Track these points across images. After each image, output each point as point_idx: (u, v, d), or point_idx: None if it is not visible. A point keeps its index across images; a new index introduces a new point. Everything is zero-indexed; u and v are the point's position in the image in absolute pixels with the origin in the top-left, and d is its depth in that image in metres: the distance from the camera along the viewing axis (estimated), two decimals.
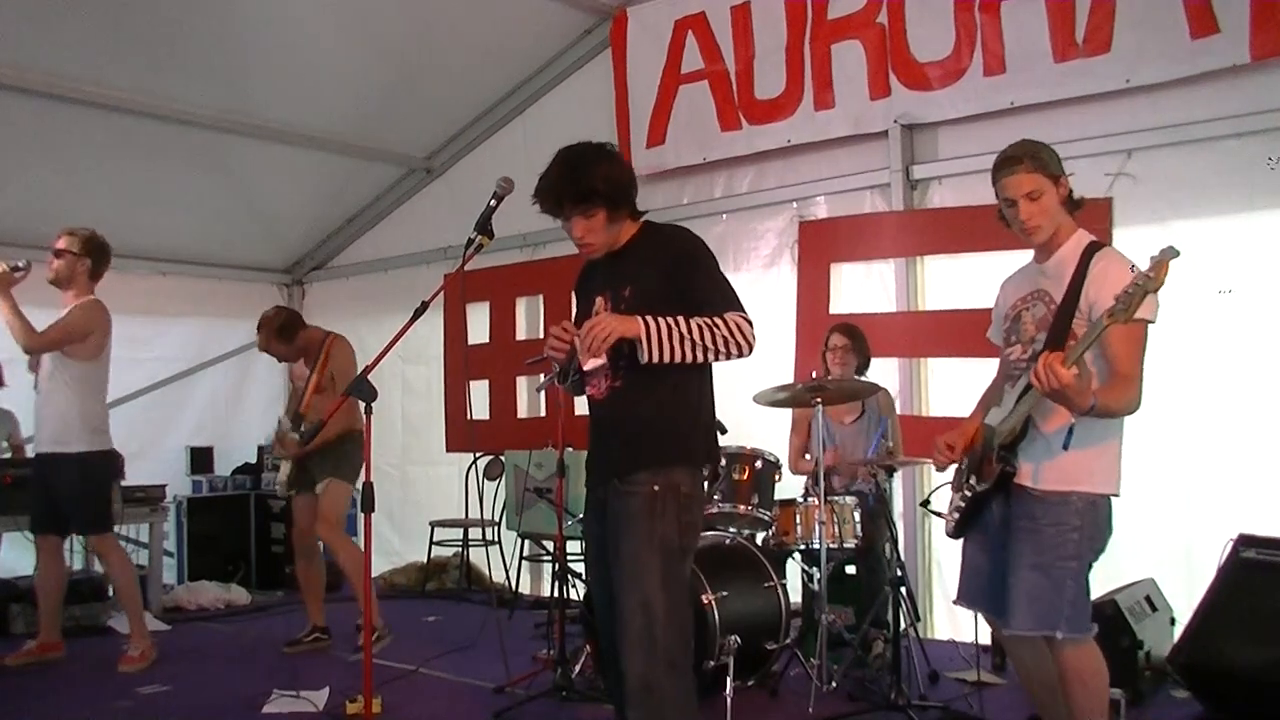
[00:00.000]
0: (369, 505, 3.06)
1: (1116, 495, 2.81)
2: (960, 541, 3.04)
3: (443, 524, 6.79)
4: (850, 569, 4.69)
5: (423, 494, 7.41)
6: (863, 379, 4.71)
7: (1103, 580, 4.22)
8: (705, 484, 2.98)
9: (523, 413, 6.88)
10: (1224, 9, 4.35)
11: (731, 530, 4.52)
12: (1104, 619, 3.84)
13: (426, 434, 7.33)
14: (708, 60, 6.03)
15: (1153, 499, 4.45)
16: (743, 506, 4.43)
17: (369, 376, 3.03)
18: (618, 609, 2.61)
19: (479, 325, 7.04)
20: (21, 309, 4.64)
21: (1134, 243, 4.59)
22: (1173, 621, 4.22)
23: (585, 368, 2.69)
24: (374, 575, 4.80)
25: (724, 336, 2.60)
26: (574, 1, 6.36)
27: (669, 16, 6.17)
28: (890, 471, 4.49)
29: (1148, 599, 4.16)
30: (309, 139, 6.87)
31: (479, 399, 6.93)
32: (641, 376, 2.66)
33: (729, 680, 3.80)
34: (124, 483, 6.07)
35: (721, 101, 5.99)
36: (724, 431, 4.32)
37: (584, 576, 3.77)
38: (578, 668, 4.32)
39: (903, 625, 4.01)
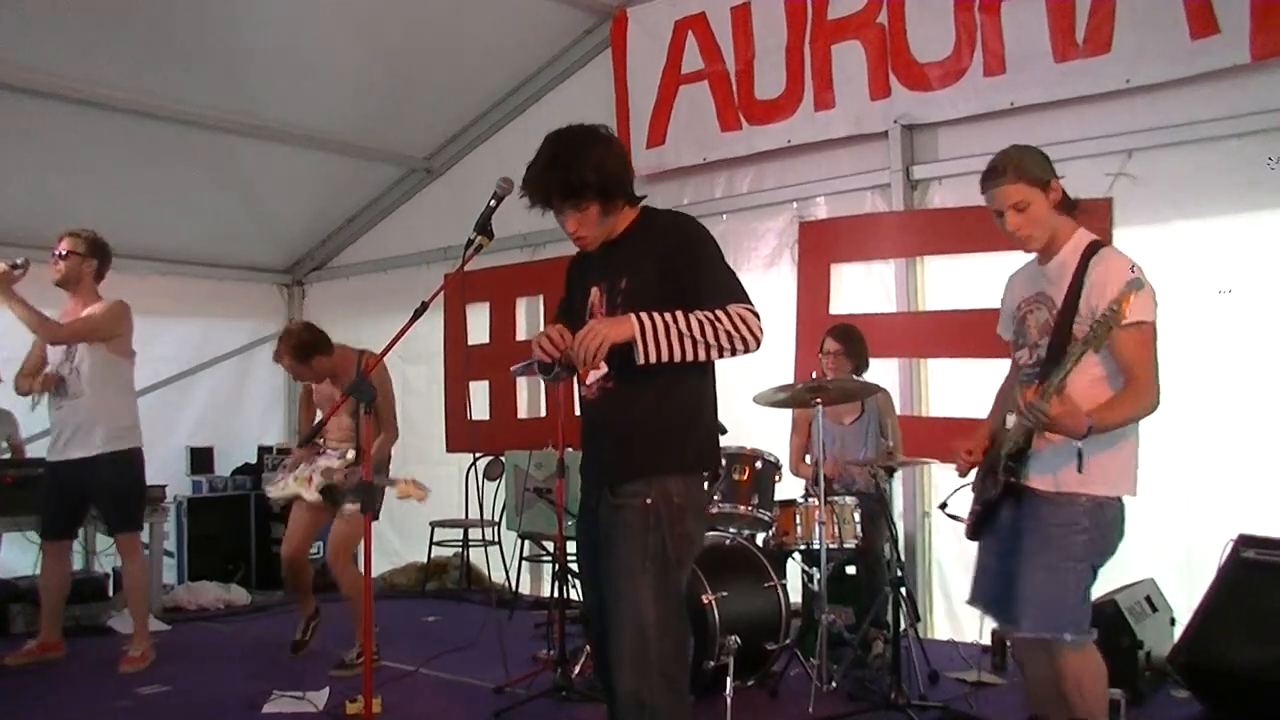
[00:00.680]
0: (369, 507, 3.06)
1: (1132, 494, 2.79)
2: (975, 544, 3.05)
3: (443, 524, 6.79)
4: (850, 569, 4.69)
5: None
6: (862, 380, 4.71)
7: (1103, 580, 4.20)
8: (705, 488, 2.84)
9: (523, 413, 6.89)
10: (1224, 9, 4.35)
11: (731, 530, 4.52)
12: (1104, 619, 3.85)
13: (426, 434, 7.32)
14: (708, 60, 6.03)
15: (1153, 499, 4.39)
16: (743, 507, 4.43)
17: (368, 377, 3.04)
18: (610, 625, 2.51)
19: (479, 325, 7.04)
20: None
21: (1134, 243, 4.60)
22: (1173, 621, 4.22)
23: (586, 380, 2.61)
24: (374, 576, 4.80)
25: (727, 331, 2.43)
26: (574, 1, 6.37)
27: (669, 16, 6.17)
28: (890, 472, 4.49)
29: (1148, 599, 4.16)
30: (309, 139, 6.87)
31: (479, 399, 6.93)
32: (634, 377, 2.49)
33: (729, 680, 3.80)
34: None
35: (721, 102, 5.99)
36: (724, 432, 4.31)
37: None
38: (578, 668, 4.32)
39: (903, 625, 4.01)
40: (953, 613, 5.16)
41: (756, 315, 2.48)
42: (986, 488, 2.92)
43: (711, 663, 3.91)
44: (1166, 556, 4.43)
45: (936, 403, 5.32)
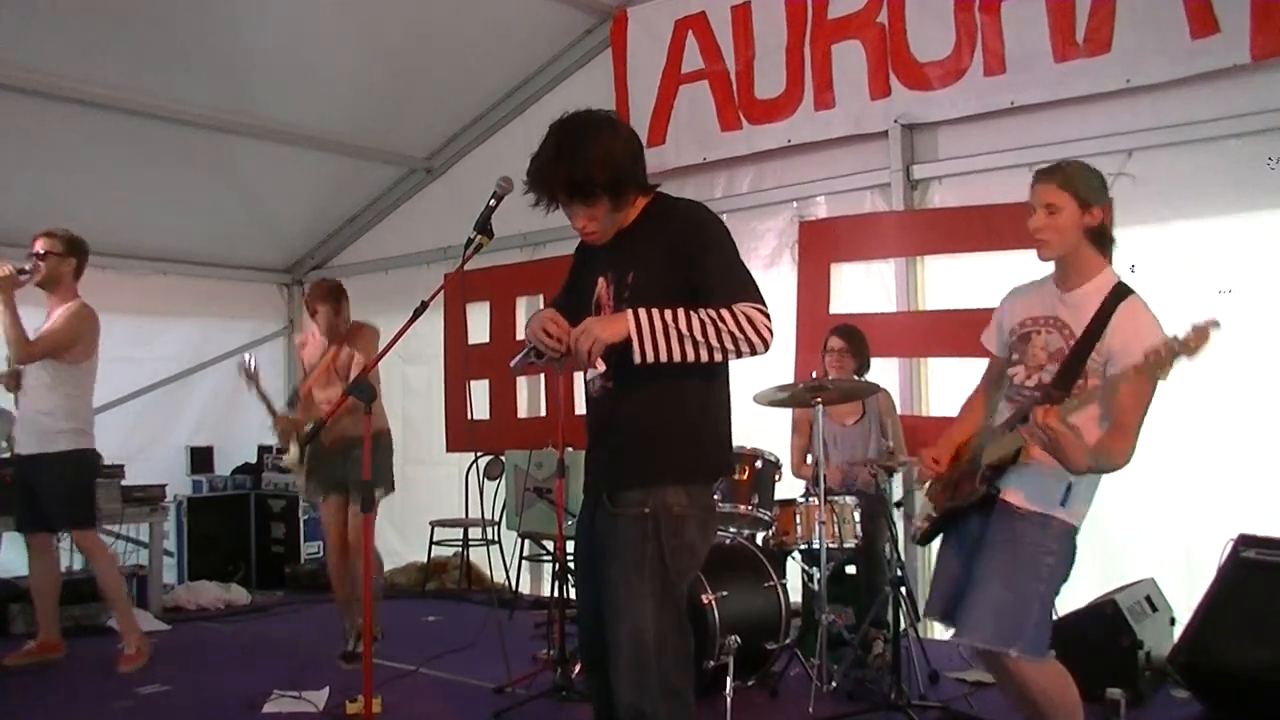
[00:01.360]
0: (369, 505, 3.07)
1: (1077, 528, 2.80)
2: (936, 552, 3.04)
3: (443, 524, 6.79)
4: (850, 569, 4.69)
5: (423, 494, 7.40)
6: (862, 380, 4.71)
7: (1103, 580, 4.25)
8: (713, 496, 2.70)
9: (523, 413, 6.89)
10: (1224, 9, 4.35)
11: (731, 530, 4.52)
12: (1104, 619, 3.87)
13: (427, 434, 7.33)
14: (708, 60, 6.03)
15: (1153, 499, 4.46)
16: (743, 506, 4.42)
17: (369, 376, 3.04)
18: (610, 639, 2.43)
19: (479, 325, 7.04)
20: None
21: (1134, 243, 4.63)
22: (1173, 621, 4.22)
23: (586, 378, 2.54)
24: (374, 575, 4.81)
25: (730, 333, 2.29)
26: (574, 1, 6.37)
27: (669, 16, 6.17)
28: (891, 472, 4.49)
29: (1148, 599, 4.16)
30: (309, 139, 6.86)
31: (479, 399, 6.93)
32: (635, 378, 2.39)
33: (729, 680, 3.80)
34: (124, 483, 6.12)
35: (722, 101, 5.99)
36: None
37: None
38: (578, 668, 4.31)
39: (903, 625, 4.01)
40: None
41: (766, 315, 2.33)
42: (956, 495, 2.90)
43: (711, 663, 3.91)
44: (1166, 556, 4.43)
45: (936, 403, 5.31)
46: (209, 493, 7.43)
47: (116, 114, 6.03)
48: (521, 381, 6.85)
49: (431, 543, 6.83)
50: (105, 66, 5.74)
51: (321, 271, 8.34)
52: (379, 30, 6.10)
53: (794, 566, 4.61)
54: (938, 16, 5.19)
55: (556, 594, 4.37)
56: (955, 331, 5.03)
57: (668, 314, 2.32)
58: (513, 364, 2.74)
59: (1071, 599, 3.79)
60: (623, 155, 2.42)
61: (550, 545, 5.54)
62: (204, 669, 4.92)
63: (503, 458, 6.08)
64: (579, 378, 2.89)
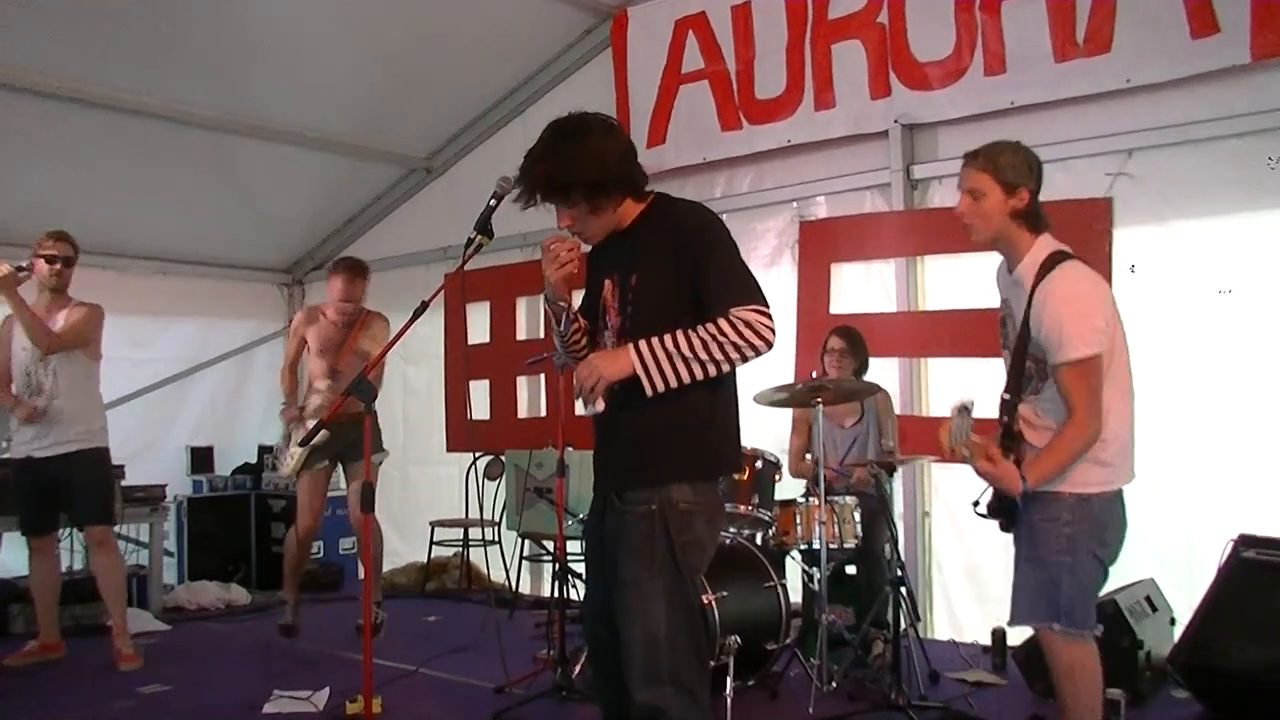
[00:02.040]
0: (369, 506, 3.06)
1: (1127, 482, 2.83)
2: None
3: (443, 524, 6.79)
4: (850, 569, 4.69)
5: (423, 494, 7.41)
6: (862, 380, 4.71)
7: None
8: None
9: (523, 413, 6.89)
10: (1224, 9, 4.34)
11: (731, 530, 4.51)
12: (1104, 619, 3.85)
13: (427, 434, 7.33)
14: (708, 60, 6.03)
15: (1153, 499, 4.43)
16: (743, 506, 4.42)
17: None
18: (621, 639, 2.45)
19: (479, 325, 7.04)
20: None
21: (1134, 243, 4.65)
22: (1173, 621, 4.22)
23: (584, 413, 2.57)
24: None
25: (734, 343, 2.33)
26: (574, 1, 6.37)
27: (669, 16, 6.17)
28: (890, 471, 4.49)
29: (1148, 599, 4.16)
30: (309, 139, 6.86)
31: (479, 399, 6.93)
32: (639, 385, 2.42)
33: (729, 680, 3.80)
34: (124, 483, 6.11)
35: (722, 101, 5.99)
36: None
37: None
38: (578, 668, 4.31)
39: (903, 625, 4.01)
40: (953, 613, 5.16)
41: (766, 315, 2.37)
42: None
43: (711, 663, 3.90)
44: (1166, 556, 4.43)
45: (936, 402, 5.31)
46: (209, 493, 7.43)
47: (117, 114, 6.03)
48: (521, 381, 6.86)
49: (431, 543, 6.82)
50: (105, 67, 5.74)
51: (321, 271, 8.34)
52: (379, 30, 6.10)
53: (794, 566, 4.61)
54: (938, 16, 5.18)
55: (556, 594, 4.37)
56: (955, 331, 5.04)
57: (668, 341, 2.37)
58: (558, 367, 2.76)
59: None
60: (611, 158, 2.46)
61: (550, 545, 5.53)
62: (204, 669, 4.92)
63: (503, 458, 6.08)
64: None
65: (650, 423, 2.48)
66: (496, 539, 6.46)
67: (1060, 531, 2.75)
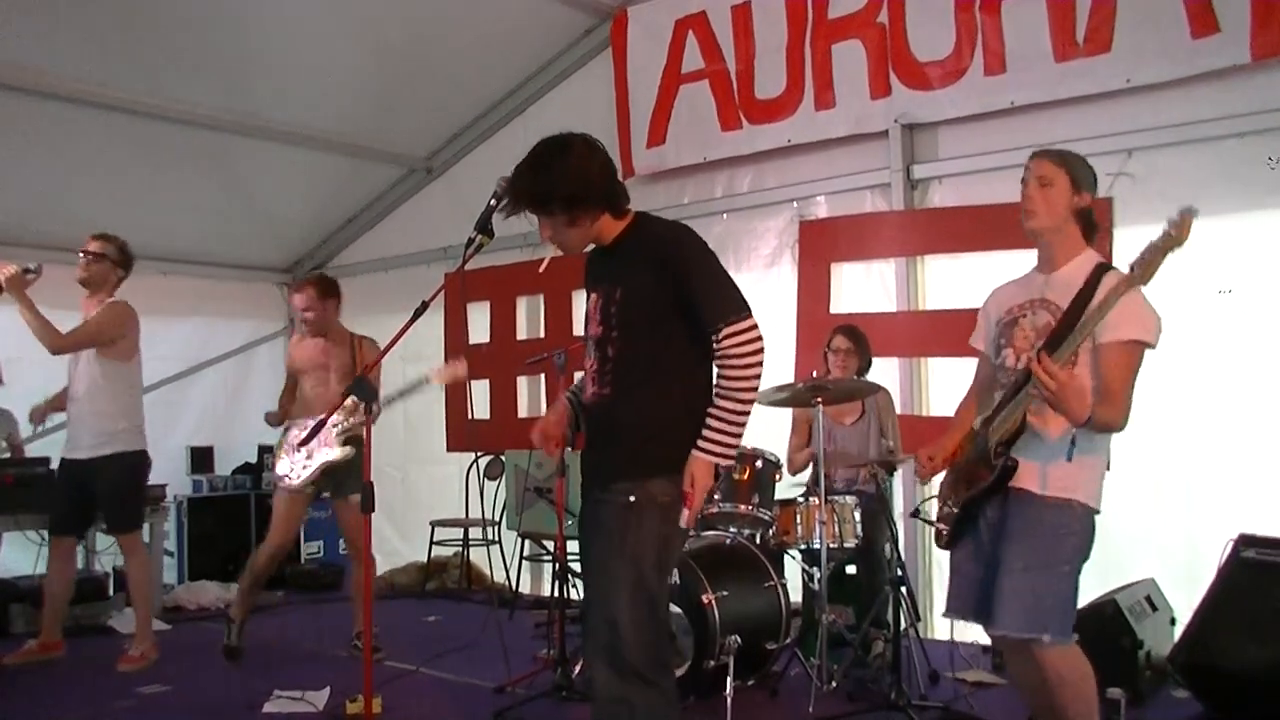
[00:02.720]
0: (369, 506, 3.06)
1: (1098, 512, 2.80)
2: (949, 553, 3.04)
3: (443, 524, 6.79)
4: (850, 569, 4.69)
5: (423, 494, 7.41)
6: (863, 379, 4.70)
7: (1103, 580, 4.24)
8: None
9: (523, 412, 6.88)
10: (1224, 9, 4.35)
11: (731, 530, 4.52)
12: (1104, 619, 3.86)
13: (427, 434, 7.32)
14: (708, 60, 6.03)
15: (1153, 499, 4.46)
16: (743, 506, 4.42)
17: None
18: (588, 621, 2.57)
19: (479, 325, 7.05)
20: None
21: (1134, 243, 4.61)
22: (1173, 621, 4.22)
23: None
24: (374, 575, 4.81)
25: (746, 379, 2.50)
26: (574, 1, 6.37)
27: (669, 16, 6.17)
28: (891, 471, 4.49)
29: (1148, 599, 4.16)
30: (309, 139, 6.86)
31: (479, 399, 6.93)
32: (626, 383, 2.60)
33: (729, 680, 3.80)
34: None
35: (722, 101, 5.99)
36: None
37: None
38: (578, 668, 4.31)
39: (903, 625, 4.01)
40: None
41: (750, 326, 2.51)
42: (974, 483, 2.88)
43: (711, 662, 3.91)
44: (1167, 556, 4.43)
45: (936, 402, 5.31)
46: (209, 493, 7.42)
47: (117, 114, 6.03)
48: (522, 381, 6.86)
49: (432, 542, 6.82)
50: (106, 67, 5.74)
51: (321, 271, 8.34)
52: (379, 30, 6.10)
53: (794, 566, 4.61)
54: (938, 16, 5.18)
55: (556, 594, 4.37)
56: (955, 331, 5.00)
57: (712, 424, 2.54)
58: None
59: None
60: (590, 174, 2.58)
61: (550, 545, 5.54)
62: (204, 669, 4.91)
63: (503, 457, 6.08)
64: (579, 378, 2.92)
65: (636, 423, 2.60)
66: (497, 539, 6.46)
67: (1068, 541, 2.73)
